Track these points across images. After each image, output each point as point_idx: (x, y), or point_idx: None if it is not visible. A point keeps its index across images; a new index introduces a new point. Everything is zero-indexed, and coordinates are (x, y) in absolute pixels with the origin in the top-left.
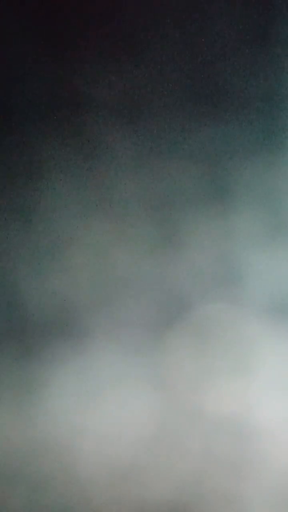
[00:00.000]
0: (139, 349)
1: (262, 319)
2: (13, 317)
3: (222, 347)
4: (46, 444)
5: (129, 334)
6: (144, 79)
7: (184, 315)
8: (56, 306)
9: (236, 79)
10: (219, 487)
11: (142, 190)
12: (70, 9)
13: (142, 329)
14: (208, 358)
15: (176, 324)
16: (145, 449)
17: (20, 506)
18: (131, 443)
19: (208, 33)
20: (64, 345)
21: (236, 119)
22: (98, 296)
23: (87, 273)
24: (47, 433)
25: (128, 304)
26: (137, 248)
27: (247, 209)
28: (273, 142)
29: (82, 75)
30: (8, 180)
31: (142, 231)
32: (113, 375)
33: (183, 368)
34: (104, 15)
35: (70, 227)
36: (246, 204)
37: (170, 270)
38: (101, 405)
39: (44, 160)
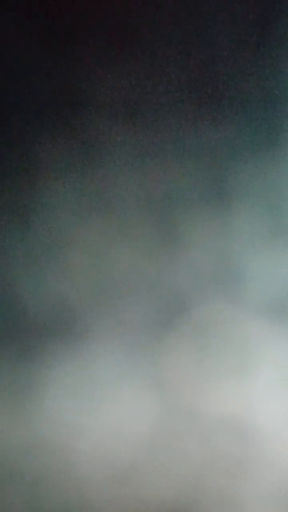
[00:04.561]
0: (138, 349)
1: (262, 319)
2: (12, 317)
3: (222, 347)
4: (44, 444)
5: (129, 334)
6: (144, 79)
7: (184, 315)
8: (55, 306)
9: (236, 79)
10: (219, 487)
11: (141, 190)
12: (70, 8)
13: (141, 329)
14: (208, 358)
15: (175, 324)
16: (144, 450)
17: (18, 506)
18: (130, 444)
19: (208, 33)
20: (63, 345)
21: (236, 119)
22: (97, 296)
23: (86, 273)
24: (46, 433)
25: (127, 304)
26: (136, 248)
27: (247, 209)
28: (274, 142)
29: (82, 75)
30: (6, 180)
31: (142, 231)
32: (112, 375)
33: (183, 368)
34: (104, 15)
35: (69, 227)
36: (246, 204)
37: (170, 270)
38: (100, 406)
39: (43, 160)
